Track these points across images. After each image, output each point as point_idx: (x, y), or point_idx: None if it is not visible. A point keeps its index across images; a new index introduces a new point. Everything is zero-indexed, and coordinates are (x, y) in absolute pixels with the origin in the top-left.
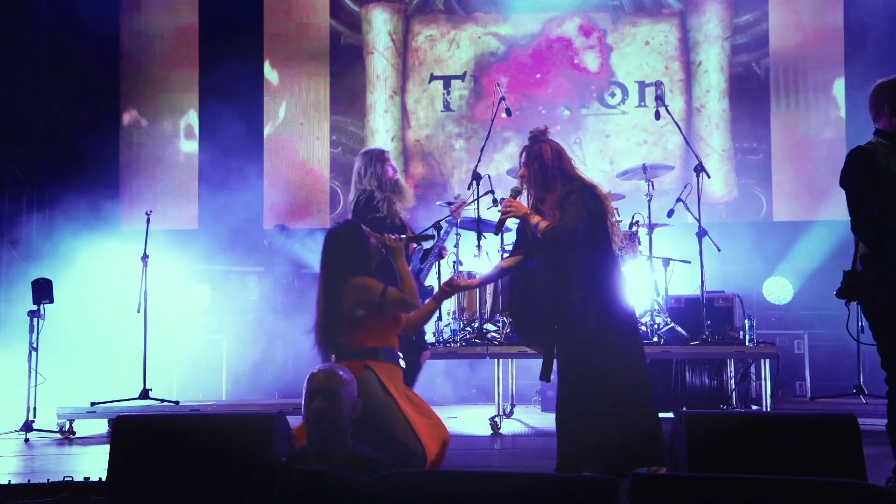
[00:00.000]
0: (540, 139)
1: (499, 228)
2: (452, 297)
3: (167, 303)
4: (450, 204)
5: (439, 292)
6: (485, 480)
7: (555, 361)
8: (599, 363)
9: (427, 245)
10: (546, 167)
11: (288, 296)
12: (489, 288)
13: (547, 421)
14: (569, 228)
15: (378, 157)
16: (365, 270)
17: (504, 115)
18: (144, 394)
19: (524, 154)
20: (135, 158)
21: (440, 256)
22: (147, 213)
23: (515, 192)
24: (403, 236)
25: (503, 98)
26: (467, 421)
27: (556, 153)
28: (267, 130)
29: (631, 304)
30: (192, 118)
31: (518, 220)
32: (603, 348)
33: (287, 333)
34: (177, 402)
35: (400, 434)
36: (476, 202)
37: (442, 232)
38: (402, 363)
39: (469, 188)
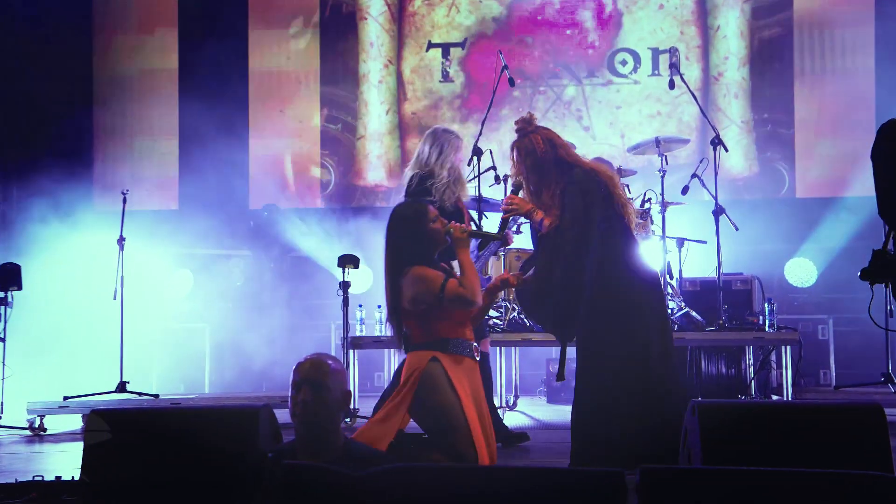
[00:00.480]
0: (528, 131)
1: (502, 228)
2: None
3: (145, 289)
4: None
5: (492, 286)
6: (484, 475)
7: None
8: (610, 356)
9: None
10: (540, 161)
11: (276, 281)
12: (491, 271)
13: (553, 413)
14: (567, 227)
15: (456, 143)
16: (426, 258)
17: (508, 84)
18: (121, 387)
19: (514, 150)
20: (110, 134)
21: (505, 244)
22: (123, 193)
23: (517, 187)
24: (470, 228)
25: (505, 67)
26: None
27: (548, 142)
28: (252, 103)
29: (656, 289)
30: (171, 91)
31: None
32: (614, 340)
33: (275, 321)
34: (156, 396)
35: (456, 437)
36: (477, 179)
37: (510, 221)
38: (478, 356)
39: (469, 164)
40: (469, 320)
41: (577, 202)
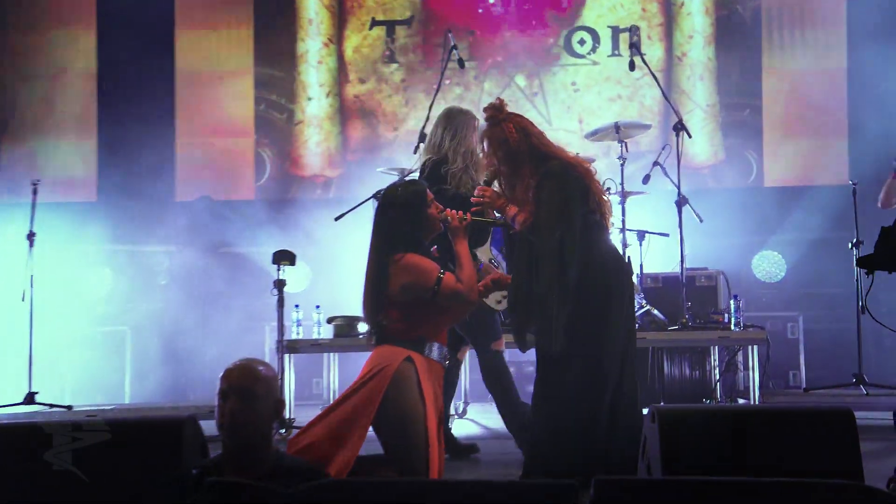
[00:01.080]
0: (499, 118)
1: (476, 216)
2: None
3: (59, 289)
4: None
5: (484, 286)
6: (426, 489)
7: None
8: (573, 362)
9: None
10: (513, 151)
11: (204, 279)
12: None
13: None
14: (542, 224)
15: (471, 123)
16: (419, 245)
17: (458, 66)
18: (30, 398)
19: (485, 140)
20: (18, 115)
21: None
22: (34, 184)
23: (490, 178)
24: (469, 214)
25: (455, 47)
26: None
27: (521, 131)
28: (179, 84)
29: (627, 294)
30: (89, 68)
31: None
32: (581, 346)
33: (203, 324)
34: (69, 407)
35: (412, 450)
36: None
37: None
38: (447, 362)
39: (415, 152)
40: (449, 325)
41: (553, 198)
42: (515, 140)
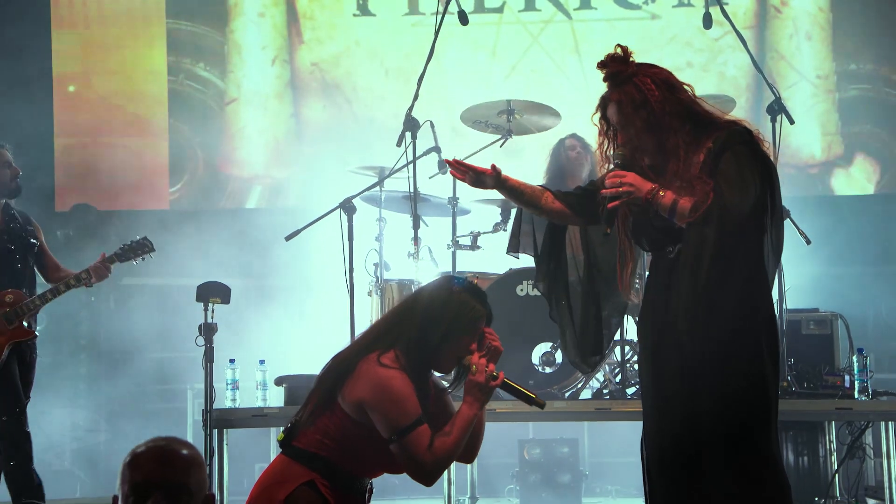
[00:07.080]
0: (629, 74)
1: (610, 221)
2: None
3: None
4: None
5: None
6: None
7: None
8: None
9: None
10: (658, 115)
11: (97, 323)
12: None
13: None
14: (745, 201)
15: None
16: (418, 367)
17: (459, 22)
18: None
19: (615, 106)
20: None
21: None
22: None
23: (622, 158)
24: (501, 374)
25: None
26: None
27: (664, 86)
28: (58, 49)
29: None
30: None
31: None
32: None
33: (96, 385)
34: None
35: None
36: (411, 166)
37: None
38: (370, 496)
39: (399, 143)
40: (384, 472)
41: (748, 170)
42: (658, 98)
